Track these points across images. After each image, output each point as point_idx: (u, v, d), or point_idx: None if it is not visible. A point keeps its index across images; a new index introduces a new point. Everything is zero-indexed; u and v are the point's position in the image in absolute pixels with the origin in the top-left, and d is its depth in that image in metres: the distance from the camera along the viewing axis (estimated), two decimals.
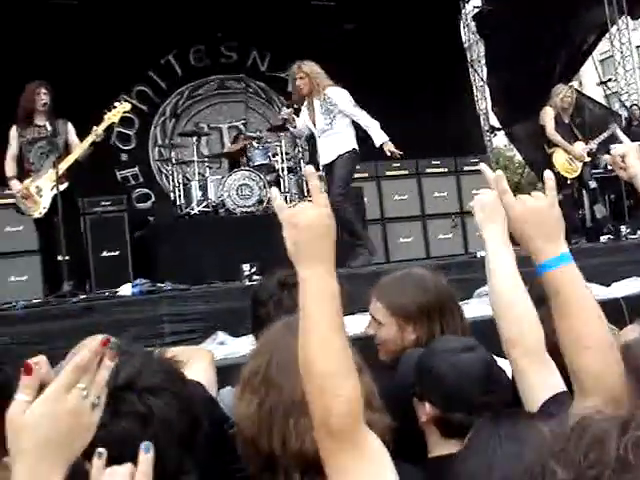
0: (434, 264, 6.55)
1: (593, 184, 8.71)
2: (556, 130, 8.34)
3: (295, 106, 7.28)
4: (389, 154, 6.82)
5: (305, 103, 6.98)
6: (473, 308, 4.42)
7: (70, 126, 6.65)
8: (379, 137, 6.74)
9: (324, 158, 6.93)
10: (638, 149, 2.41)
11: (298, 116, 7.20)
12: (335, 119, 6.76)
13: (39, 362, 2.38)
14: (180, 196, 8.79)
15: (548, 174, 1.70)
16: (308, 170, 1.56)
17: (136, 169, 11.11)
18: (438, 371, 1.93)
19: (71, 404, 1.18)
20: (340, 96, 6.79)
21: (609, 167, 9.77)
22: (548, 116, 8.37)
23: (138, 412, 1.36)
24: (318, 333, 1.41)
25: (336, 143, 6.79)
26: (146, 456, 1.19)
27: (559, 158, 8.37)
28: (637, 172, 2.33)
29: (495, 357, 2.10)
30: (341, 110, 6.74)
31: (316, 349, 1.40)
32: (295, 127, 7.23)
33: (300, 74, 6.80)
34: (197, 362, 2.36)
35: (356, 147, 6.85)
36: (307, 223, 1.43)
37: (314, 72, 6.79)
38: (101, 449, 1.19)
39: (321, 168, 7.05)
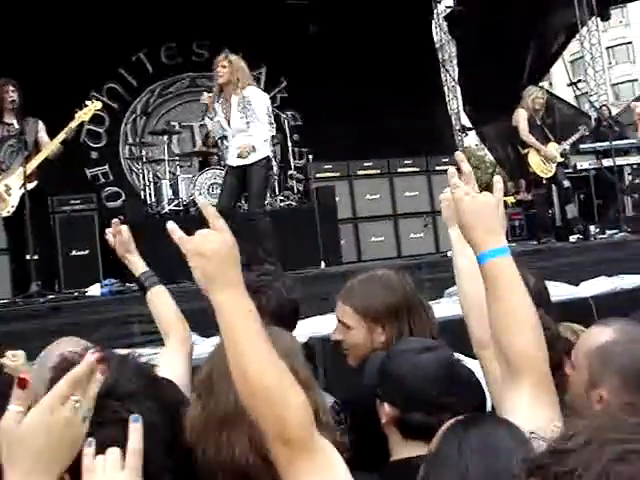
0: (398, 264, 6.56)
1: (567, 183, 8.77)
2: (530, 132, 8.37)
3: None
4: (235, 157, 6.47)
5: (220, 100, 6.59)
6: (444, 307, 4.44)
7: (41, 124, 6.59)
8: (259, 151, 6.39)
9: (235, 160, 6.53)
10: None
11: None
12: (252, 119, 6.42)
13: (16, 354, 2.34)
14: (151, 195, 8.72)
15: (498, 179, 1.90)
16: (201, 201, 1.53)
17: (106, 167, 11.00)
18: (398, 372, 1.92)
19: (65, 415, 1.21)
20: (258, 99, 6.48)
21: (579, 167, 9.89)
22: (521, 117, 8.38)
23: (122, 419, 1.33)
24: (253, 348, 1.41)
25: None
26: (135, 425, 1.24)
27: (534, 158, 8.40)
28: None
29: (466, 358, 2.10)
30: (255, 113, 6.41)
31: (255, 364, 1.40)
32: (211, 119, 6.75)
33: (224, 62, 6.48)
34: (173, 351, 2.33)
35: (270, 154, 6.65)
36: (213, 249, 1.44)
37: (238, 65, 6.47)
38: (90, 438, 1.23)
39: (228, 169, 6.74)
